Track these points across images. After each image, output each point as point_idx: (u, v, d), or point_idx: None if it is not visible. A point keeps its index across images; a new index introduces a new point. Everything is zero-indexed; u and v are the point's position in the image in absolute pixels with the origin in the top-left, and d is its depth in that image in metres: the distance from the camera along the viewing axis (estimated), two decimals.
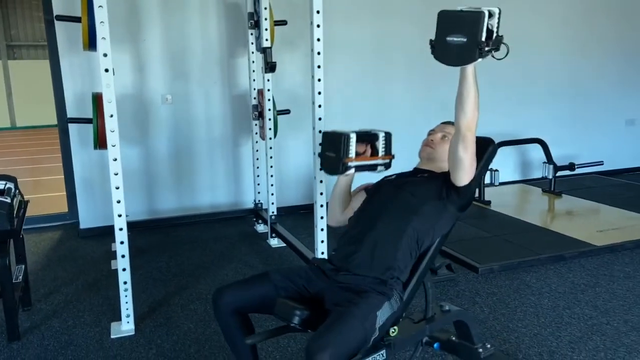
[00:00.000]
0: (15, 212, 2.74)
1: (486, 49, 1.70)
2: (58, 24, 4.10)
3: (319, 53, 2.89)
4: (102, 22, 2.52)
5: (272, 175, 4.01)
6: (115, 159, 2.62)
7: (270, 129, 3.93)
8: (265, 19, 3.79)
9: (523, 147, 5.79)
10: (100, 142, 3.73)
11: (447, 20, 1.75)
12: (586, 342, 2.58)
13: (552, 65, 5.76)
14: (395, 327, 1.96)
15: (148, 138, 4.47)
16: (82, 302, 3.13)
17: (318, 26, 2.87)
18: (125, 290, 2.76)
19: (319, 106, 2.96)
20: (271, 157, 3.99)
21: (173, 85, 4.45)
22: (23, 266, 3.04)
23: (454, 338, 2.34)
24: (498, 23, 1.81)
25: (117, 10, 4.19)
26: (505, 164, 5.72)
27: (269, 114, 3.91)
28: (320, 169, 2.26)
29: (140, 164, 4.47)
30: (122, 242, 2.71)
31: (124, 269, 2.74)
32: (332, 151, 2.11)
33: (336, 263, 1.94)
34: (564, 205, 5.06)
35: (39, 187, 7.20)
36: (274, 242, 4.04)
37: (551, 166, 5.23)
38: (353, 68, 4.91)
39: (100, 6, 2.50)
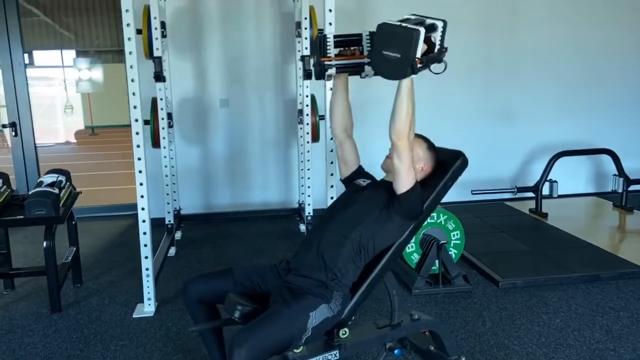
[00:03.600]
0: (63, 202, 3.18)
1: (419, 66, 1.74)
2: None
3: None
4: (129, 38, 2.82)
5: (309, 178, 4.19)
6: (140, 158, 2.95)
7: (308, 133, 4.11)
8: (305, 29, 3.96)
9: (597, 157, 5.42)
10: (156, 141, 4.15)
11: (385, 34, 1.77)
12: None
13: (628, 69, 5.34)
14: (346, 330, 2.06)
15: (206, 138, 4.85)
16: (123, 284, 3.53)
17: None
18: (147, 276, 3.09)
19: None
20: (309, 160, 4.16)
21: (230, 90, 4.79)
22: (74, 248, 3.49)
23: (432, 348, 2.38)
24: (442, 36, 1.84)
25: (181, 22, 4.61)
26: (575, 175, 5.42)
27: (307, 119, 4.09)
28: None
29: (199, 162, 4.87)
30: (144, 233, 3.04)
31: (146, 257, 3.06)
32: (315, 55, 2.08)
33: (291, 263, 2.07)
34: (633, 222, 4.68)
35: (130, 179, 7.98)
36: None
37: (622, 179, 4.86)
38: None
39: (127, 24, 2.81)
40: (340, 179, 2.29)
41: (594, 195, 5.53)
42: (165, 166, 4.11)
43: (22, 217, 3.02)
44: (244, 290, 2.03)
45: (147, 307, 3.11)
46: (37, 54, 13.01)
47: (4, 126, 4.90)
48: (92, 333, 2.87)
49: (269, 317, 1.79)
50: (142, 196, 2.99)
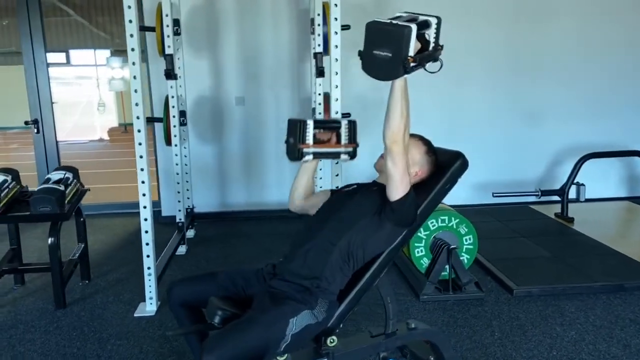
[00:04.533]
0: (69, 198, 3.18)
1: (412, 64, 1.63)
2: (148, 33, 4.59)
3: (336, 59, 2.95)
4: (131, 35, 2.79)
5: (320, 178, 4.09)
6: (142, 156, 2.92)
7: None
8: (319, 25, 3.88)
9: (629, 159, 5.15)
10: (168, 139, 4.14)
11: (375, 33, 1.68)
12: None
13: None
14: (334, 338, 1.97)
15: (222, 137, 4.83)
16: (129, 282, 3.52)
17: (336, 33, 2.93)
18: (149, 275, 3.06)
19: (336, 112, 3.01)
20: (321, 160, 4.07)
21: (246, 88, 4.75)
22: (82, 245, 3.51)
23: (432, 358, 2.27)
24: (437, 33, 1.73)
25: (197, 20, 4.59)
26: (604, 178, 5.17)
27: (319, 117, 4.00)
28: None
29: (213, 160, 4.85)
30: (146, 231, 3.01)
31: (148, 256, 3.04)
32: (292, 137, 2.06)
33: (277, 268, 1.99)
34: None
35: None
36: None
37: None
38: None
39: (130, 20, 2.77)
40: None
41: (625, 199, 5.26)
42: (177, 164, 4.10)
43: (27, 213, 3.04)
44: (227, 295, 1.96)
45: (149, 307, 3.09)
46: (73, 53, 13.33)
47: (26, 123, 4.98)
48: (92, 331, 2.86)
49: (244, 323, 1.72)
50: (144, 194, 2.96)
